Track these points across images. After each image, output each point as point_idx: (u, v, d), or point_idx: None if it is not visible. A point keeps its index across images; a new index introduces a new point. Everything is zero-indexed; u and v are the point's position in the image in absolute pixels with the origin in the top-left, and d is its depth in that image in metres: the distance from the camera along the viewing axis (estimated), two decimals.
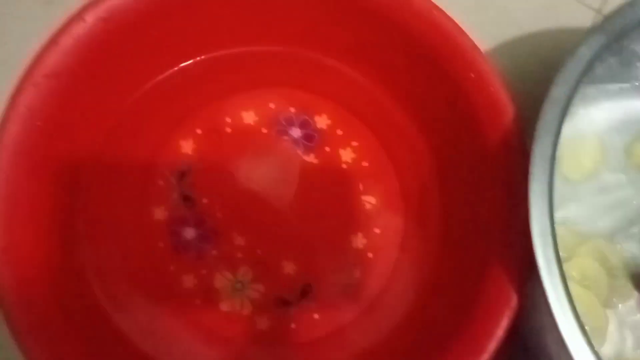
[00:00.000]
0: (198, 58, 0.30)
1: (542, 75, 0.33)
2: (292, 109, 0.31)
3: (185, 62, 0.30)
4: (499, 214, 0.25)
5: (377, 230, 0.30)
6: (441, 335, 0.25)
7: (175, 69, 0.30)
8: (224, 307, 0.29)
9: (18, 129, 0.24)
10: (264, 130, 0.31)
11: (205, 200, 0.30)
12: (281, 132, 0.31)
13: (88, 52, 0.26)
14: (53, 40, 0.25)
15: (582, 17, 0.33)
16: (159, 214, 0.30)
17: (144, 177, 0.30)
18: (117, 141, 0.29)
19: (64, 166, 0.26)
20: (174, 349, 0.28)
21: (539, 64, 0.32)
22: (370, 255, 0.30)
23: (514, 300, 0.23)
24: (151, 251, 0.29)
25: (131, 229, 0.29)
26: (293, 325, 0.29)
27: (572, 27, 0.33)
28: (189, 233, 0.30)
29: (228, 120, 0.31)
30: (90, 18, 0.26)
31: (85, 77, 0.26)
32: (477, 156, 0.26)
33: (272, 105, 0.31)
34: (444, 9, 0.27)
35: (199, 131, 0.31)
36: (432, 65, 0.26)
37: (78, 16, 0.26)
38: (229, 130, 0.31)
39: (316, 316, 0.29)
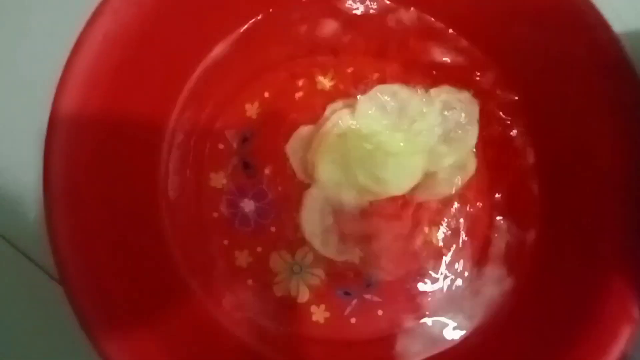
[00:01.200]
0: (271, 10, 0.27)
1: None
2: (376, 75, 0.27)
3: (260, 15, 0.26)
4: (619, 220, 0.21)
5: (459, 225, 0.27)
6: (538, 352, 0.22)
7: (249, 25, 0.27)
8: (278, 291, 0.26)
9: (93, 57, 0.21)
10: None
11: (267, 171, 0.27)
12: None
13: None
14: None
15: None
16: (217, 180, 0.27)
17: (204, 138, 0.27)
18: (186, 97, 0.27)
19: (133, 111, 0.23)
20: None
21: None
22: (447, 252, 0.27)
23: (636, 314, 0.20)
24: (205, 220, 0.27)
25: (188, 193, 0.27)
26: (353, 320, 0.26)
27: None
28: (248, 205, 0.27)
29: (300, 84, 0.28)
30: None
31: (165, 15, 0.23)
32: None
33: (350, 70, 0.28)
34: None
35: (266, 94, 0.27)
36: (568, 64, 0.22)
37: None
38: (300, 94, 0.27)
39: (380, 312, 0.26)
